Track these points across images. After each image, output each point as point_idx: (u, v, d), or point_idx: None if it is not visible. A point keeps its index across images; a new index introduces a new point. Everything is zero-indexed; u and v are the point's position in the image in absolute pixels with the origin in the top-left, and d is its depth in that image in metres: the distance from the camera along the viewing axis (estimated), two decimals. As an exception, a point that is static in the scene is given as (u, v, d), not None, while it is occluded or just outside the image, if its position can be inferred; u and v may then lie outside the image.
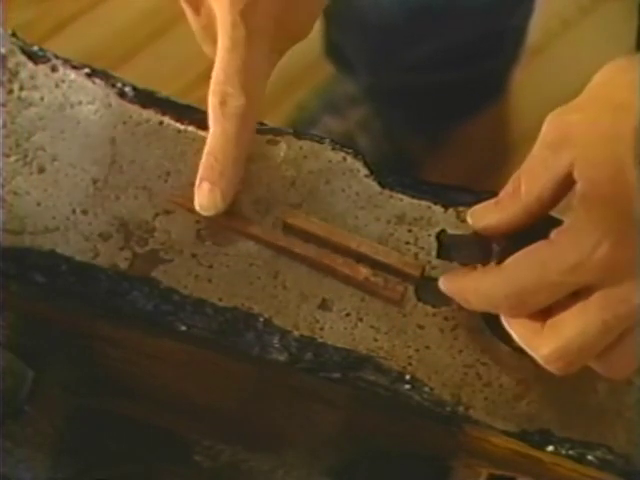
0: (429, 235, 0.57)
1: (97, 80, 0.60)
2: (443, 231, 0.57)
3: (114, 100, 0.59)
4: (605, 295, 0.49)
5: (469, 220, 0.55)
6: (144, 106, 0.59)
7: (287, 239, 0.56)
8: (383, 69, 1.22)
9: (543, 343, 0.50)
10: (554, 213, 0.53)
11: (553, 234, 0.50)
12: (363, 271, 0.56)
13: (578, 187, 0.49)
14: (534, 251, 0.50)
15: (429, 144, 1.36)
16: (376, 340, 0.55)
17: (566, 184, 0.50)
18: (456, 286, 0.54)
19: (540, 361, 0.51)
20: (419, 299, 0.56)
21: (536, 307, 0.50)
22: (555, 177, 0.50)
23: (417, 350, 0.55)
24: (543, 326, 0.50)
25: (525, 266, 0.50)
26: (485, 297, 0.52)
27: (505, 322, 0.52)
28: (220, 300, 0.55)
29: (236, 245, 0.57)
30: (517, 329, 0.52)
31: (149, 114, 0.59)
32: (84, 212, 0.57)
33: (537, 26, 1.31)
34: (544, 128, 0.52)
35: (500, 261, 0.52)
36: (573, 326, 0.49)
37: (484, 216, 0.54)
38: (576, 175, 0.49)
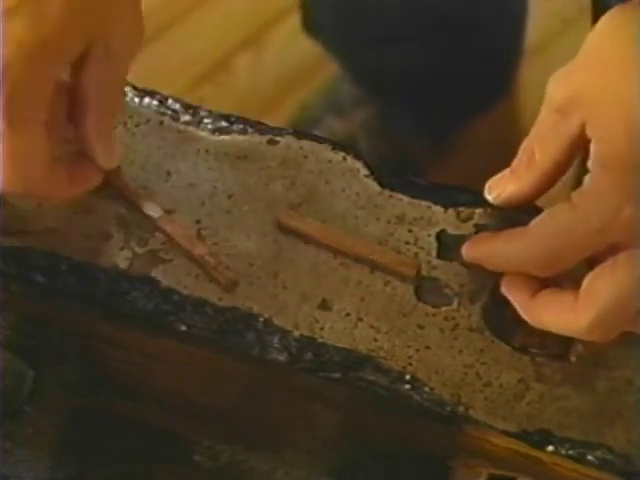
0: (429, 235, 0.57)
1: (97, 80, 0.60)
2: (443, 231, 0.57)
3: (114, 100, 0.59)
4: (632, 253, 0.49)
5: (488, 196, 0.55)
6: (144, 106, 0.59)
7: (286, 239, 0.56)
8: (357, 39, 1.20)
9: (579, 316, 0.50)
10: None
11: (574, 197, 0.50)
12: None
13: (593, 148, 0.49)
14: (557, 215, 0.51)
15: (433, 146, 1.36)
16: (376, 340, 0.55)
17: (579, 145, 0.50)
18: (482, 251, 0.54)
19: (580, 335, 0.51)
20: (419, 299, 0.56)
21: (564, 267, 0.51)
22: (568, 140, 0.50)
23: (417, 350, 0.55)
24: (575, 301, 0.51)
25: (549, 230, 0.51)
26: (513, 261, 0.53)
27: (536, 312, 0.53)
28: (220, 300, 0.55)
29: (236, 245, 0.57)
30: (550, 314, 0.52)
31: (149, 114, 0.59)
32: (84, 212, 0.57)
33: (537, 26, 1.31)
34: (549, 91, 0.52)
35: None
36: (606, 291, 0.50)
37: (503, 189, 0.54)
38: (589, 134, 0.49)
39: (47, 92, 0.50)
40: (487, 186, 0.55)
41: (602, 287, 0.50)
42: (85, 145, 0.54)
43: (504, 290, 0.54)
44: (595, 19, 0.52)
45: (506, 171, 0.54)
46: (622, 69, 0.49)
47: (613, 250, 0.50)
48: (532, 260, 0.51)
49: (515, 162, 0.53)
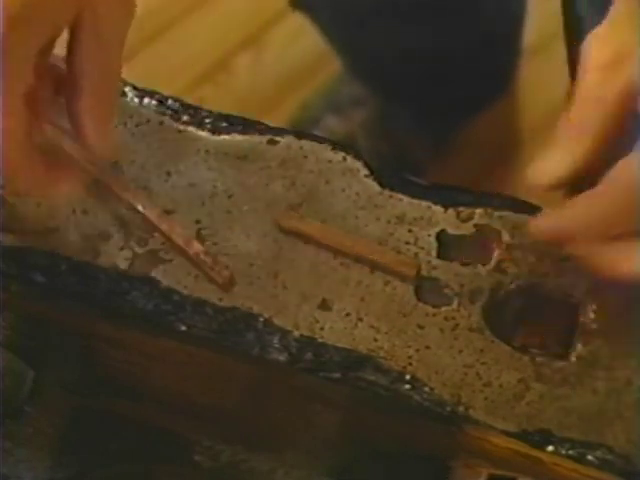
0: (429, 235, 0.57)
1: (97, 80, 0.60)
2: (443, 231, 0.57)
3: (114, 100, 0.59)
4: None
5: (535, 182, 0.52)
6: (144, 106, 0.59)
7: (286, 239, 0.56)
8: (347, 18, 1.18)
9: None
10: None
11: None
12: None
13: None
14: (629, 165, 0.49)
15: (432, 146, 1.36)
16: (376, 340, 0.55)
17: (633, 98, 0.49)
18: (563, 221, 0.52)
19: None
20: (419, 299, 0.56)
21: (627, 229, 0.49)
22: (619, 96, 0.49)
23: (417, 350, 0.55)
24: None
25: (610, 194, 0.49)
26: (598, 220, 0.50)
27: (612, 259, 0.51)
28: (220, 300, 0.55)
29: (236, 245, 0.57)
30: (608, 256, 0.51)
31: (149, 114, 0.59)
32: (84, 212, 0.57)
33: (536, 26, 1.31)
34: (589, 51, 0.50)
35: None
36: None
37: (549, 166, 0.52)
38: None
39: (28, 61, 0.49)
40: (531, 171, 0.52)
41: None
42: (78, 132, 0.52)
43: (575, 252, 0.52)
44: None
45: (549, 150, 0.52)
46: None
47: None
48: (618, 214, 0.50)
49: (559, 135, 0.51)
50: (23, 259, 0.56)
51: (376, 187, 0.58)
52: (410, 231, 0.57)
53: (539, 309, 0.56)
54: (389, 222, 0.57)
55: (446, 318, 0.55)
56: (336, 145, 0.59)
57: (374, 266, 0.56)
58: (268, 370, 0.56)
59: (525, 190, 0.54)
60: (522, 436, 0.53)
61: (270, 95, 1.44)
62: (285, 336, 0.55)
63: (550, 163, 0.52)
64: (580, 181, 0.51)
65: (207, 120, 0.59)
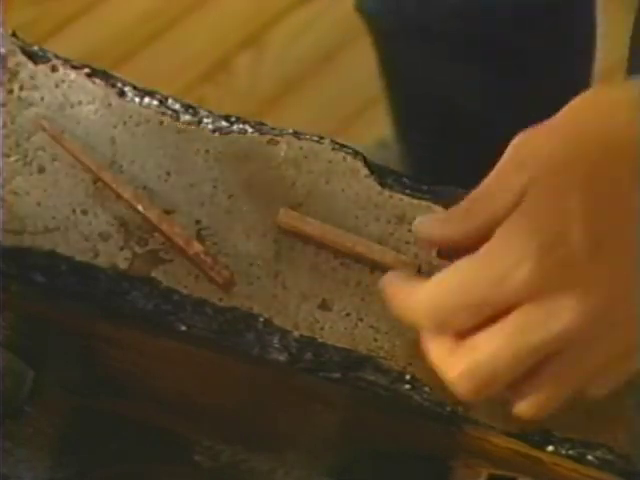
0: (429, 235, 0.57)
1: (97, 80, 0.60)
2: (443, 231, 0.57)
3: (114, 100, 0.59)
4: (522, 319, 0.46)
5: (413, 229, 0.53)
6: (144, 106, 0.59)
7: (286, 239, 0.56)
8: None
9: (453, 365, 0.48)
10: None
11: (482, 249, 0.47)
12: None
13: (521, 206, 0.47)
14: (458, 267, 0.48)
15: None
16: (376, 340, 0.55)
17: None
18: (391, 291, 0.51)
19: (448, 383, 0.48)
20: (419, 299, 0.56)
21: (459, 327, 0.48)
22: (510, 198, 0.48)
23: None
24: (456, 348, 0.48)
25: (446, 285, 0.48)
26: (409, 313, 0.50)
27: (422, 339, 0.50)
28: (220, 300, 0.55)
29: (236, 245, 0.57)
30: (432, 348, 0.49)
31: (149, 114, 0.59)
32: (84, 212, 0.57)
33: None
34: (509, 147, 0.49)
35: None
36: (485, 349, 0.47)
37: (431, 228, 0.52)
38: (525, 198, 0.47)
39: None
40: (416, 223, 0.53)
41: (482, 345, 0.47)
42: None
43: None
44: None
45: (440, 215, 0.53)
46: (602, 143, 0.47)
47: (506, 314, 0.47)
48: (425, 316, 0.49)
49: (454, 209, 0.51)
50: (23, 259, 0.56)
51: (376, 187, 0.58)
52: (410, 231, 0.57)
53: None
54: (389, 222, 0.57)
55: (446, 318, 0.55)
56: (336, 145, 0.59)
57: (374, 266, 0.56)
58: (268, 370, 0.56)
59: None
60: (522, 436, 0.53)
61: (270, 95, 1.44)
62: (285, 336, 0.55)
63: (433, 224, 0.52)
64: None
65: (207, 120, 0.59)
